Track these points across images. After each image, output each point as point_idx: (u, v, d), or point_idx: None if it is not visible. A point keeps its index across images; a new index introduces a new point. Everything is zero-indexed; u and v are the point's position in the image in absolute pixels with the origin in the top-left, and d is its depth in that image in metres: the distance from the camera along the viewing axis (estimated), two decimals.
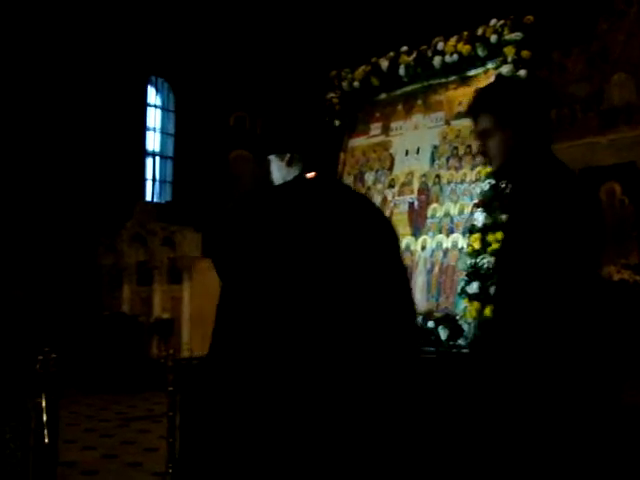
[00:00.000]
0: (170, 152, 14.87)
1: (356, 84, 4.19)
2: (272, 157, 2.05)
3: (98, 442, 6.23)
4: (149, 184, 14.42)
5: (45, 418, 3.91)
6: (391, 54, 4.04)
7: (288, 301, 1.81)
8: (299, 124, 2.07)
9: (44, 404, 3.96)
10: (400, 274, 1.99)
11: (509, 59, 3.45)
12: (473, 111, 2.26)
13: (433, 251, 3.60)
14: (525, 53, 3.40)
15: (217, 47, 13.76)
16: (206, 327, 8.12)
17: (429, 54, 3.84)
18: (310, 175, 1.97)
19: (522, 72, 3.40)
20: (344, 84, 4.25)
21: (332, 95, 4.27)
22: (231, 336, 1.89)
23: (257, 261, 1.84)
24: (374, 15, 10.60)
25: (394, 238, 2.01)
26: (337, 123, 4.24)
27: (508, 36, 3.50)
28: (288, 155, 2.00)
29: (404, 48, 4.00)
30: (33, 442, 3.96)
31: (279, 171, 2.03)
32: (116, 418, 7.53)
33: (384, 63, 4.04)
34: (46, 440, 3.92)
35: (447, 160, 3.71)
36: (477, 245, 3.19)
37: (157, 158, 14.70)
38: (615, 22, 10.08)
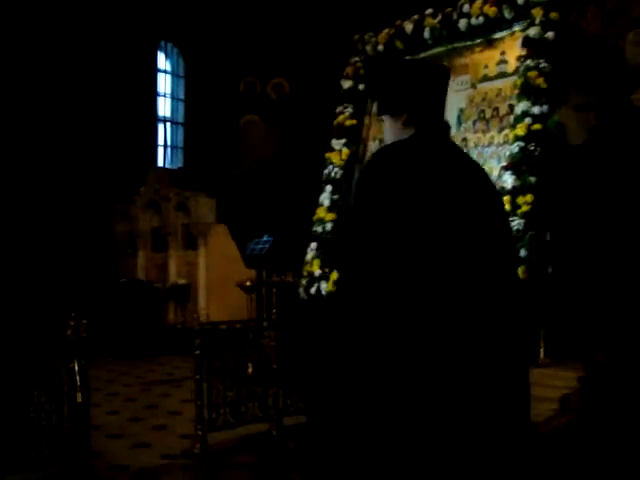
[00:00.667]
0: (181, 118, 14.82)
1: (380, 48, 4.19)
2: (386, 117, 2.09)
3: (122, 406, 6.35)
4: (160, 150, 14.42)
5: (78, 382, 4.01)
6: (415, 17, 4.03)
7: (423, 257, 1.80)
8: (412, 84, 2.06)
9: (77, 368, 4.05)
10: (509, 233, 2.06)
11: (537, 21, 3.44)
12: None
13: None
14: (554, 15, 3.39)
15: (227, 11, 13.62)
16: (222, 292, 8.19)
17: (454, 16, 3.83)
18: (429, 134, 2.00)
19: (550, 34, 3.39)
20: (368, 48, 4.24)
21: (356, 59, 4.27)
22: (365, 288, 1.84)
23: (393, 217, 1.84)
24: None
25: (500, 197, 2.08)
26: (361, 87, 4.24)
27: None
28: (405, 115, 2.02)
29: (429, 11, 3.98)
30: (67, 405, 4.07)
31: (393, 131, 2.06)
32: (137, 383, 7.65)
33: (408, 26, 4.03)
34: (79, 401, 4.02)
35: (474, 123, 3.72)
36: (507, 207, 3.21)
37: (168, 124, 14.67)
38: None
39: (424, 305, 1.73)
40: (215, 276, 10.30)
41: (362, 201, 1.91)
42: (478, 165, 2.08)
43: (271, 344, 5.20)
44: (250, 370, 5.09)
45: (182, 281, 10.70)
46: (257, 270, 9.89)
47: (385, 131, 2.14)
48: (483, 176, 2.00)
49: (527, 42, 3.41)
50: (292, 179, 12.28)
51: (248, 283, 9.44)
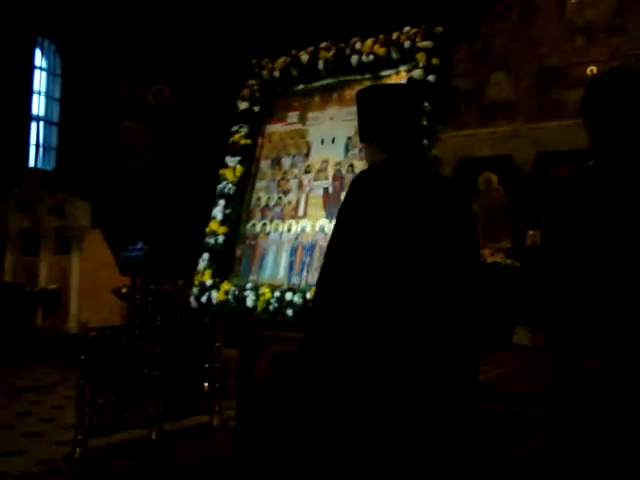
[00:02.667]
0: (55, 117, 14.42)
1: (276, 74, 4.44)
2: (363, 143, 2.32)
3: None
4: (33, 150, 13.96)
5: None
6: (311, 48, 4.32)
7: (386, 270, 2.02)
8: (380, 111, 2.24)
9: None
10: (474, 250, 2.18)
11: (420, 64, 3.83)
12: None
13: None
14: (435, 60, 3.79)
15: (109, 11, 13.44)
16: (96, 298, 8.15)
17: (347, 52, 4.15)
18: (399, 156, 2.17)
19: (431, 77, 3.79)
20: (264, 73, 4.49)
21: (252, 82, 4.51)
22: (334, 296, 2.08)
23: (361, 234, 2.07)
24: (295, 8, 10.79)
25: (469, 219, 2.22)
26: (256, 109, 4.49)
27: (420, 43, 3.87)
28: (376, 141, 2.22)
29: (323, 44, 4.29)
30: None
31: (370, 156, 2.26)
32: (5, 390, 7.45)
33: (304, 56, 4.32)
34: None
35: (360, 151, 4.05)
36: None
37: (41, 123, 14.23)
38: (496, 25, 10.83)
39: (379, 302, 2.02)
40: (89, 282, 10.15)
41: (337, 219, 2.18)
42: (445, 184, 2.23)
43: (155, 350, 5.31)
44: (132, 376, 5.18)
45: (53, 286, 10.45)
46: (132, 277, 9.84)
47: (364, 156, 2.39)
48: (446, 194, 2.16)
49: (411, 82, 3.79)
50: (171, 187, 12.29)
51: (124, 290, 9.38)
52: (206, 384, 6.65)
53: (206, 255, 4.20)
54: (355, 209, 2.11)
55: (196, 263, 4.26)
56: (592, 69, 10.04)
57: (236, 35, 11.09)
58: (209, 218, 4.35)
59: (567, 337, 2.29)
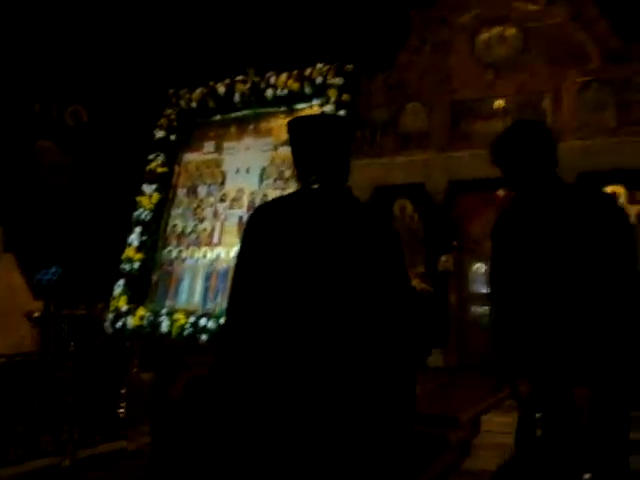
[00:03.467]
0: None
1: (193, 104, 4.57)
2: (295, 171, 2.35)
3: None
4: None
5: None
6: (227, 81, 4.48)
7: (284, 296, 2.11)
8: (294, 142, 2.34)
9: None
10: (390, 276, 2.19)
11: (332, 100, 4.04)
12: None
13: None
14: (345, 97, 4.00)
15: (23, 25, 13.18)
16: (5, 324, 7.90)
17: (262, 86, 4.33)
18: (315, 186, 2.23)
19: (342, 112, 3.99)
20: (182, 102, 4.61)
21: (170, 111, 4.62)
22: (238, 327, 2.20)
23: (258, 262, 2.16)
24: (211, 40, 10.91)
25: (389, 247, 2.22)
26: (173, 138, 4.60)
27: (331, 80, 4.08)
28: (296, 170, 2.29)
29: (239, 77, 4.45)
30: None
31: (299, 182, 2.32)
32: None
33: (221, 88, 4.47)
34: None
35: (274, 181, 4.22)
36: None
37: None
38: (411, 57, 11.26)
39: (266, 320, 2.14)
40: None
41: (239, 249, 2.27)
42: (359, 211, 2.27)
43: (68, 376, 5.27)
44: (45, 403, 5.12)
45: None
46: (45, 301, 9.64)
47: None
48: (355, 221, 2.21)
49: (335, 115, 3.99)
50: (86, 210, 12.11)
51: (36, 314, 9.17)
52: (121, 410, 6.61)
53: (122, 281, 4.25)
54: (249, 237, 2.21)
55: (112, 288, 4.30)
56: (500, 103, 10.57)
57: (153, 63, 11.11)
58: (124, 243, 4.41)
59: (504, 360, 2.58)
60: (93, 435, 5.66)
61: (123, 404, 6.68)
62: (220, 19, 11.15)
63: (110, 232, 8.47)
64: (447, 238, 10.76)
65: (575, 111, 9.92)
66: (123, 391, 6.80)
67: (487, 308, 10.76)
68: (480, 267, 11.01)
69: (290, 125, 2.39)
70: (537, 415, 2.43)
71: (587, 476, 2.15)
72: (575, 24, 10.06)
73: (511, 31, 10.56)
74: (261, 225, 2.20)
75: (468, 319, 10.74)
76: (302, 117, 2.60)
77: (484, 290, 10.94)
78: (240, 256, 2.23)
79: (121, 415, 6.72)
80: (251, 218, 2.22)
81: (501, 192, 10.66)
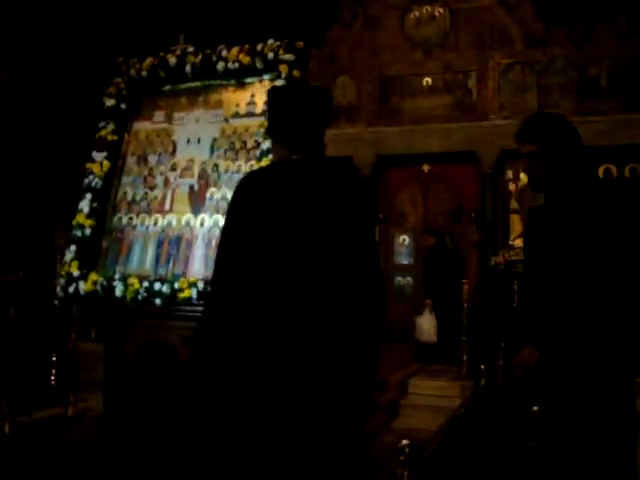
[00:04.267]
0: None
1: (143, 73, 4.63)
2: (272, 140, 2.43)
3: None
4: None
5: None
6: (178, 52, 4.55)
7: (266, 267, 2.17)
8: (277, 110, 2.39)
9: None
10: (361, 246, 2.26)
11: (282, 75, 4.19)
12: (522, 138, 2.84)
13: (210, 228, 4.23)
14: (296, 72, 4.17)
15: None
16: None
17: (214, 58, 4.43)
18: (296, 156, 2.31)
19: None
20: (132, 71, 4.66)
21: (119, 80, 4.66)
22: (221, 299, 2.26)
23: (241, 230, 2.24)
24: (161, 9, 10.73)
25: (360, 216, 2.29)
26: (123, 106, 4.65)
27: (283, 56, 4.24)
28: (279, 138, 2.36)
29: (191, 49, 4.54)
30: None
31: (277, 152, 2.39)
32: None
33: (172, 59, 4.54)
34: None
35: (225, 152, 4.35)
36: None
37: None
38: (342, 32, 11.44)
39: (246, 294, 2.22)
40: None
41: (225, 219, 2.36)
42: (340, 184, 2.33)
43: (9, 342, 5.29)
44: None
45: None
46: None
47: (272, 151, 2.58)
48: (336, 194, 2.28)
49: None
50: (9, 177, 11.80)
51: None
52: (52, 377, 6.65)
53: (73, 247, 4.31)
54: (236, 208, 2.30)
55: (41, 256, 4.35)
56: (427, 80, 10.92)
57: (102, 30, 10.88)
58: (50, 211, 4.45)
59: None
60: (31, 401, 5.70)
61: (56, 370, 6.72)
62: None
63: (36, 198, 8.38)
64: (374, 212, 11.08)
65: (499, 91, 10.38)
66: (54, 358, 6.83)
67: (410, 279, 11.22)
68: (405, 239, 11.41)
69: (271, 94, 2.46)
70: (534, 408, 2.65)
71: (535, 408, 2.44)
72: (500, 7, 10.48)
73: (440, 11, 10.90)
74: (246, 197, 2.29)
75: (393, 290, 11.14)
76: (283, 87, 2.60)
77: (406, 262, 11.38)
78: (226, 226, 2.33)
79: (53, 382, 6.76)
80: (237, 189, 2.32)
81: (426, 167, 11.07)
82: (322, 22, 11.31)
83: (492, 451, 2.59)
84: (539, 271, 2.82)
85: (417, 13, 11.05)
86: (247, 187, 2.33)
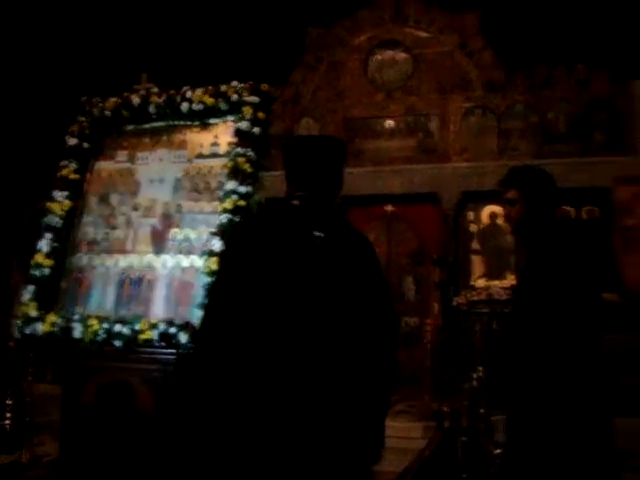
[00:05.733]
0: None
1: (107, 113, 4.62)
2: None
3: None
4: None
5: None
6: (142, 92, 4.57)
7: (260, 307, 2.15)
8: (299, 161, 2.43)
9: None
10: (370, 289, 2.23)
11: (246, 117, 4.22)
12: (505, 184, 3.07)
13: (172, 269, 4.20)
14: (261, 114, 4.20)
15: None
16: None
17: (178, 99, 4.45)
18: (295, 202, 2.31)
19: (256, 129, 4.19)
20: (95, 111, 4.65)
21: (82, 119, 4.65)
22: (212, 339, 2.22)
23: (233, 271, 2.23)
24: (125, 50, 10.76)
25: (366, 261, 2.29)
26: (86, 145, 4.63)
27: (247, 98, 4.27)
28: (285, 175, 2.39)
29: (155, 89, 4.55)
30: None
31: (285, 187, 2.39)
32: None
33: (135, 99, 4.55)
34: None
35: (188, 192, 4.35)
36: (214, 266, 3.85)
37: None
38: (307, 74, 11.60)
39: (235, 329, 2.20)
40: None
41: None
42: (345, 233, 2.34)
43: None
44: None
45: None
46: None
47: None
48: (337, 243, 2.26)
49: (238, 133, 4.16)
50: None
51: None
52: (7, 421, 6.46)
53: (31, 287, 4.24)
54: (229, 255, 2.31)
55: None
56: (390, 123, 11.09)
57: (65, 68, 10.86)
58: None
59: None
60: None
61: (9, 415, 6.54)
62: (136, 30, 11.06)
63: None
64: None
65: (460, 134, 10.58)
66: (10, 402, 6.66)
67: None
68: None
69: (286, 146, 2.53)
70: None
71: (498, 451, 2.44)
72: (461, 53, 10.74)
73: (402, 55, 11.13)
74: (240, 241, 2.29)
75: None
76: (298, 138, 2.66)
77: None
78: (219, 272, 2.32)
79: (7, 426, 6.58)
80: (231, 234, 2.32)
81: (389, 208, 11.17)
82: (286, 64, 11.47)
83: None
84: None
85: (380, 57, 11.27)
86: (240, 231, 2.37)
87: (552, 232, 2.96)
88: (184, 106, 4.43)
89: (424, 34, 10.96)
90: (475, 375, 5.41)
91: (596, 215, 9.94)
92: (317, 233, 2.27)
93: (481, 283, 9.76)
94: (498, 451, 2.50)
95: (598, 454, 2.58)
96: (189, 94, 4.45)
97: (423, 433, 6.63)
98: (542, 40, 10.03)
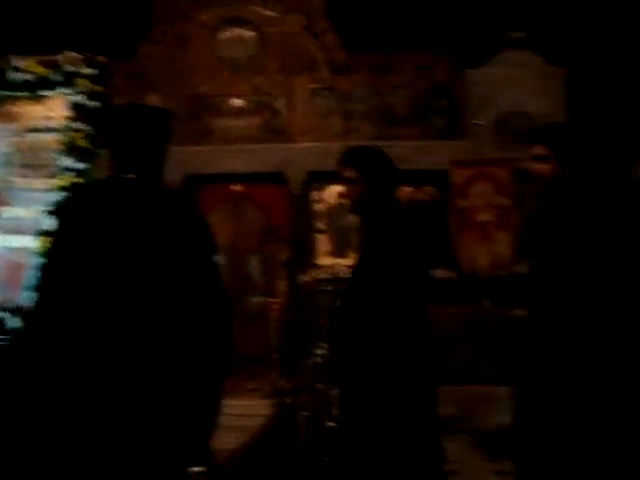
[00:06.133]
0: None
1: None
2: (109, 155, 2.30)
3: None
4: None
5: None
6: None
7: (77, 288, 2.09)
8: (125, 133, 2.31)
9: None
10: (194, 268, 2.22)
11: (82, 89, 4.03)
12: (343, 163, 3.06)
13: (1, 249, 3.95)
14: (98, 88, 4.03)
15: None
16: None
17: (7, 69, 4.17)
18: (129, 175, 2.23)
19: (94, 103, 4.02)
20: None
21: None
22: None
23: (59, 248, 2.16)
24: None
25: (199, 241, 2.29)
26: None
27: (83, 70, 4.08)
28: (110, 154, 2.28)
29: None
30: None
31: (111, 168, 2.29)
32: None
33: None
34: None
35: (19, 168, 4.10)
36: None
37: None
38: (153, 48, 11.25)
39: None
40: None
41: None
42: (167, 208, 2.29)
43: None
44: None
45: None
46: None
47: None
48: (156, 216, 2.22)
49: (73, 106, 3.97)
50: None
51: None
52: None
53: None
54: (59, 226, 2.21)
55: None
56: (237, 101, 11.01)
57: None
58: None
59: None
60: None
61: None
62: None
63: None
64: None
65: (306, 115, 10.71)
66: None
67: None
68: (217, 260, 11.35)
69: (106, 114, 2.40)
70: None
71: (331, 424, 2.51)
72: (307, 34, 10.84)
73: (249, 34, 11.05)
74: (70, 213, 2.21)
75: None
76: (120, 107, 2.54)
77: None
78: (46, 251, 2.22)
79: None
80: (62, 205, 2.23)
81: (236, 187, 11.13)
82: (132, 38, 11.04)
83: (292, 466, 2.63)
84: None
85: (227, 34, 11.13)
86: (70, 204, 2.27)
87: (388, 212, 3.00)
88: (14, 76, 4.16)
89: (270, 13, 10.95)
90: (319, 352, 5.56)
91: (437, 197, 10.45)
92: (143, 209, 2.23)
93: (326, 261, 10.00)
94: (332, 424, 2.58)
95: (421, 422, 2.72)
96: (20, 64, 4.18)
97: (270, 411, 6.72)
98: (386, 25, 10.33)
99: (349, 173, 3.06)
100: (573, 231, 2.45)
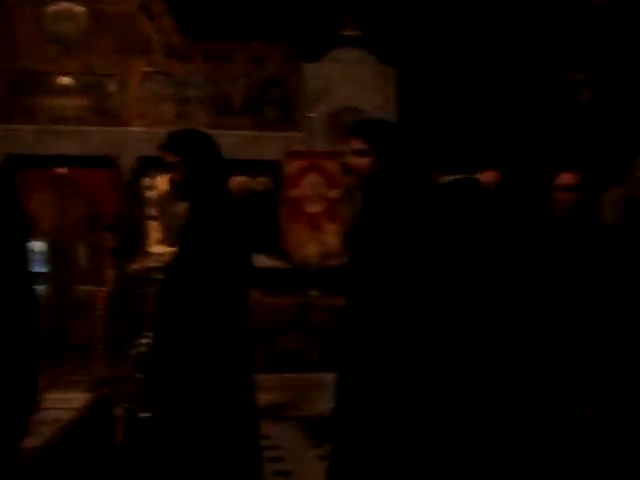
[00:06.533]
0: None
1: None
2: None
3: None
4: None
5: None
6: None
7: None
8: None
9: None
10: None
11: None
12: (164, 148, 2.96)
13: None
14: None
15: None
16: None
17: None
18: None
19: None
20: None
21: None
22: None
23: None
24: None
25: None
26: None
27: None
28: None
29: None
30: None
31: None
32: None
33: None
34: None
35: None
36: None
37: None
38: None
39: None
40: None
41: None
42: None
43: None
44: None
45: None
46: None
47: None
48: None
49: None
50: None
51: None
52: None
53: None
54: None
55: None
56: (65, 80, 10.46)
57: None
58: None
59: None
60: None
61: None
62: None
63: None
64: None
65: (140, 99, 10.41)
66: None
67: (48, 288, 10.59)
68: (36, 244, 10.72)
69: None
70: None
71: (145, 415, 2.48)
72: (142, 15, 10.53)
73: (80, 9, 10.53)
74: None
75: None
76: None
77: (44, 269, 10.71)
78: None
79: None
80: None
81: (62, 170, 10.57)
82: None
83: (102, 459, 2.58)
84: None
85: (56, 7, 10.54)
86: None
87: (210, 198, 2.97)
88: None
89: None
90: (144, 341, 5.44)
91: (271, 187, 10.57)
92: None
93: (158, 249, 9.80)
94: (147, 415, 2.56)
95: (236, 410, 2.75)
96: None
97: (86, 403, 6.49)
98: (224, 13, 10.27)
99: (170, 158, 2.98)
100: (385, 226, 2.57)
